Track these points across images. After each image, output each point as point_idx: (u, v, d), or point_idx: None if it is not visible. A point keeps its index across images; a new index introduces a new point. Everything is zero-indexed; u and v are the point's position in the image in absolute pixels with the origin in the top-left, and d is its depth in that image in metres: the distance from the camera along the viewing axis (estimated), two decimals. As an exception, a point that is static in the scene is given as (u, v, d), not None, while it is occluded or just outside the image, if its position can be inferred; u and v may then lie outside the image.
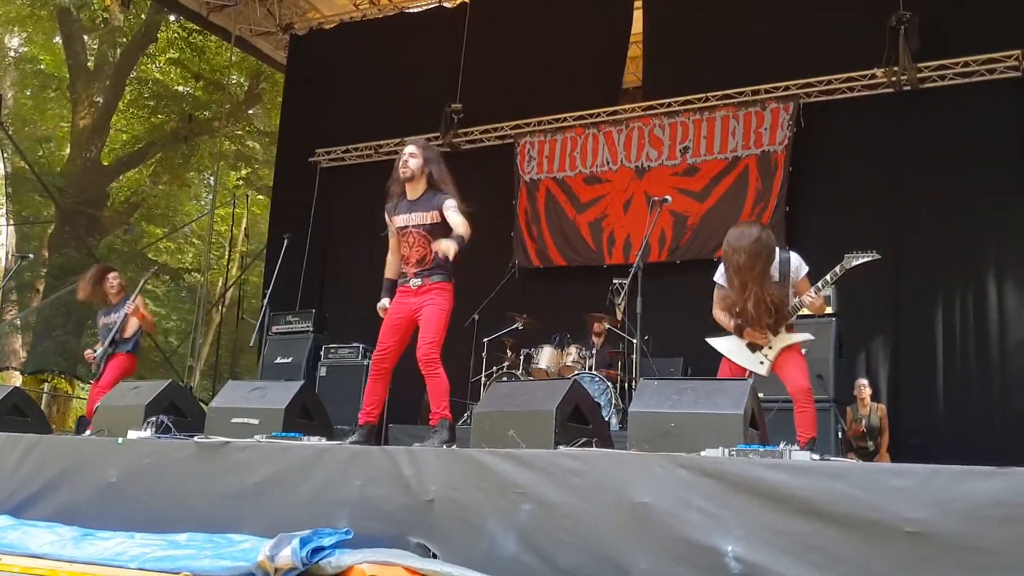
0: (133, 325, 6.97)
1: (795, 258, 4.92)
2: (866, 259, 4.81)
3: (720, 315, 4.99)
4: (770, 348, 4.81)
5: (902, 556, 2.90)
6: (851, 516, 3.00)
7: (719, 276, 5.05)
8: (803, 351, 4.97)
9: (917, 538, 2.88)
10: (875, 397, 8.29)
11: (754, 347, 4.85)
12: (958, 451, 7.44)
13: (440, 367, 4.78)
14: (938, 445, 7.86)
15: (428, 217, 4.81)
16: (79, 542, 3.95)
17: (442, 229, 4.75)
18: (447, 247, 4.56)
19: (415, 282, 4.84)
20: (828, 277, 4.84)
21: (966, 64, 8.48)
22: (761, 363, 4.83)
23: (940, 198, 8.47)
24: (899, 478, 3.01)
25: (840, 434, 6.46)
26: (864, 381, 7.89)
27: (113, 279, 7.24)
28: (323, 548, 3.44)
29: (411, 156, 4.87)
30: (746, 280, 4.73)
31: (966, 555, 2.82)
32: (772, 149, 9.20)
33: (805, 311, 6.42)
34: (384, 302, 5.09)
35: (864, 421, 7.75)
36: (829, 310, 6.68)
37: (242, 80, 18.58)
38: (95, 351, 7.11)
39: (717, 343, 5.02)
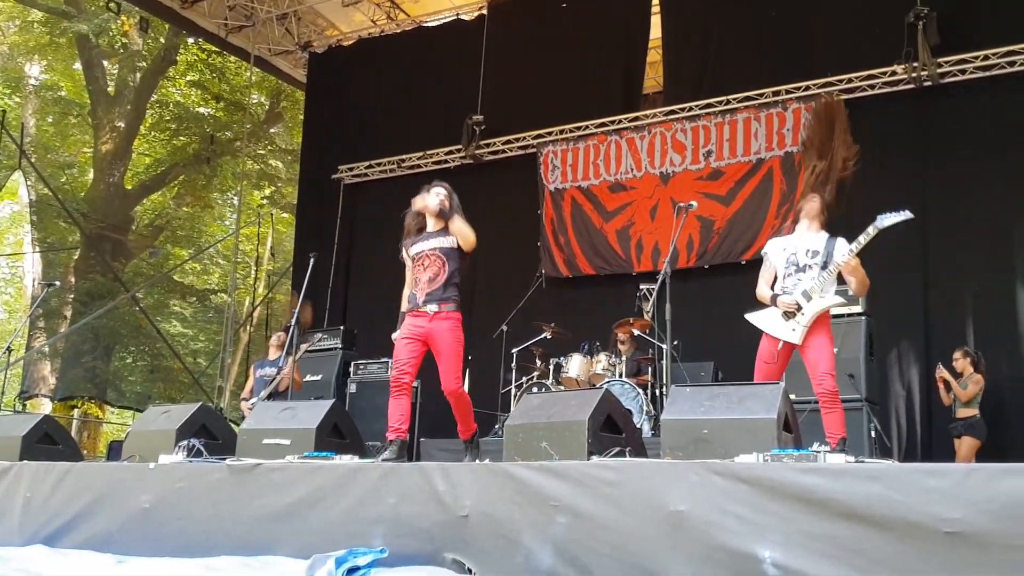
0: (285, 383, 7.57)
1: (841, 242, 5.05)
2: (899, 218, 4.81)
3: (762, 288, 5.20)
4: (803, 314, 4.92)
5: (941, 557, 2.88)
6: (888, 518, 2.98)
7: (769, 248, 5.28)
8: (834, 347, 4.99)
9: (955, 538, 2.87)
10: (908, 397, 8.20)
11: (788, 315, 4.97)
12: (992, 448, 7.39)
13: (465, 392, 5.15)
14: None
15: (446, 242, 5.13)
16: (113, 569, 3.96)
17: (456, 257, 5.11)
18: (426, 199, 5.17)
19: (431, 307, 5.03)
20: (861, 238, 4.88)
21: (986, 58, 8.40)
22: (794, 330, 4.94)
23: (965, 193, 8.39)
24: (935, 478, 3.00)
25: (873, 433, 6.38)
26: (957, 353, 7.71)
27: (279, 337, 8.16)
28: (359, 568, 3.45)
29: (438, 194, 5.22)
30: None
31: (1006, 554, 2.80)
32: (795, 150, 9.15)
33: (838, 310, 6.44)
34: (399, 334, 5.24)
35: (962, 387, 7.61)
36: (859, 308, 6.62)
37: (263, 99, 18.75)
38: (250, 401, 7.73)
39: (754, 317, 5.15)
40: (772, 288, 5.15)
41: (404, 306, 5.32)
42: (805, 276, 5.00)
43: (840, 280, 5.13)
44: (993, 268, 8.24)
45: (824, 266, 4.96)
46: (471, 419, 5.23)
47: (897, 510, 2.97)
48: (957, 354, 7.68)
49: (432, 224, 5.23)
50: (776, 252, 5.22)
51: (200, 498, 4.47)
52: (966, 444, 7.52)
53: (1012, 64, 8.32)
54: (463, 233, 5.07)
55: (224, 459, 4.68)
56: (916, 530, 2.93)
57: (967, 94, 8.59)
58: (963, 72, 8.55)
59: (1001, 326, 8.07)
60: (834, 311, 6.32)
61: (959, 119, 8.61)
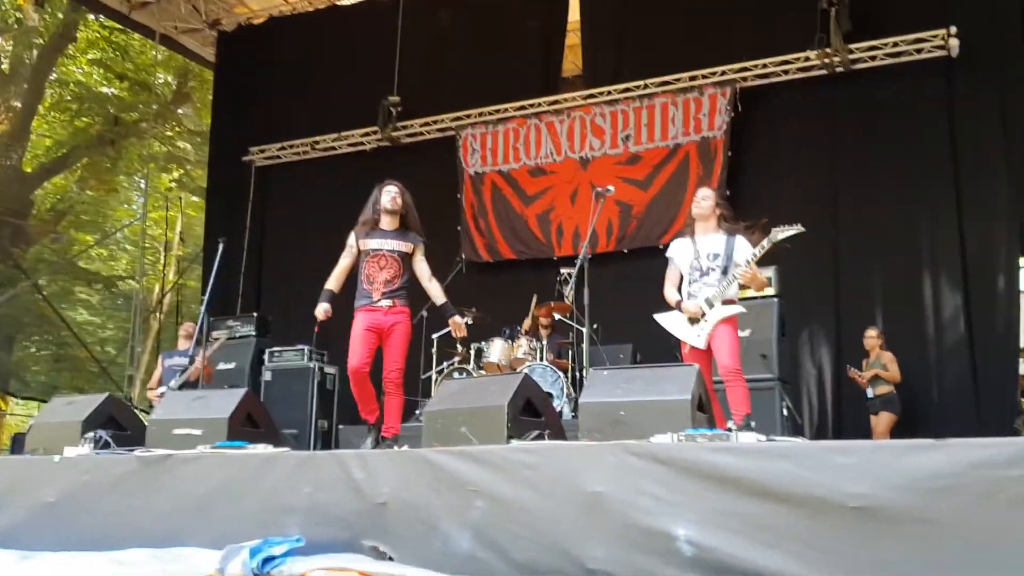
0: (196, 374, 7.29)
1: (741, 242, 5.14)
2: (791, 232, 4.96)
3: (668, 291, 5.26)
4: (706, 321, 5.02)
5: (848, 531, 2.96)
6: (798, 495, 3.05)
7: (672, 251, 5.33)
8: (741, 333, 5.09)
9: (863, 513, 2.95)
10: (819, 376, 8.44)
11: (692, 321, 5.07)
12: (904, 426, 7.67)
13: (402, 387, 5.48)
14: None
15: (403, 246, 5.52)
16: (18, 565, 3.81)
17: (410, 260, 5.55)
18: (461, 329, 5.76)
19: (385, 303, 5.40)
20: (756, 251, 5.01)
21: (895, 44, 8.62)
22: (698, 336, 5.04)
23: (874, 177, 8.61)
24: (843, 455, 3.08)
25: (786, 412, 6.53)
26: (871, 331, 7.96)
27: (187, 328, 8.04)
28: (274, 557, 3.38)
29: (399, 194, 5.59)
30: None
31: (908, 527, 2.90)
32: (711, 135, 9.27)
33: (751, 292, 6.56)
34: (325, 307, 5.58)
35: (875, 367, 7.84)
36: (771, 291, 6.76)
37: (169, 79, 18.14)
38: (158, 391, 7.62)
39: (661, 319, 5.24)
40: (679, 290, 5.24)
41: (331, 284, 5.63)
42: (708, 280, 5.10)
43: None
44: (900, 251, 8.48)
45: (725, 270, 5.07)
46: (400, 418, 5.50)
47: (807, 487, 3.04)
48: (872, 332, 7.93)
49: (389, 222, 5.56)
50: (679, 254, 5.30)
51: (108, 491, 4.34)
52: (884, 420, 7.78)
53: (920, 51, 8.54)
54: (441, 295, 5.66)
55: (133, 450, 4.55)
56: (825, 506, 3.00)
57: (877, 80, 8.80)
58: (873, 58, 8.76)
59: (908, 307, 8.33)
60: (747, 294, 6.49)
61: (869, 105, 8.82)
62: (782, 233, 4.96)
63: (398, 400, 5.45)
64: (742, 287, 5.22)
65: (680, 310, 5.13)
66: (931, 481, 2.90)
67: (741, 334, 6.41)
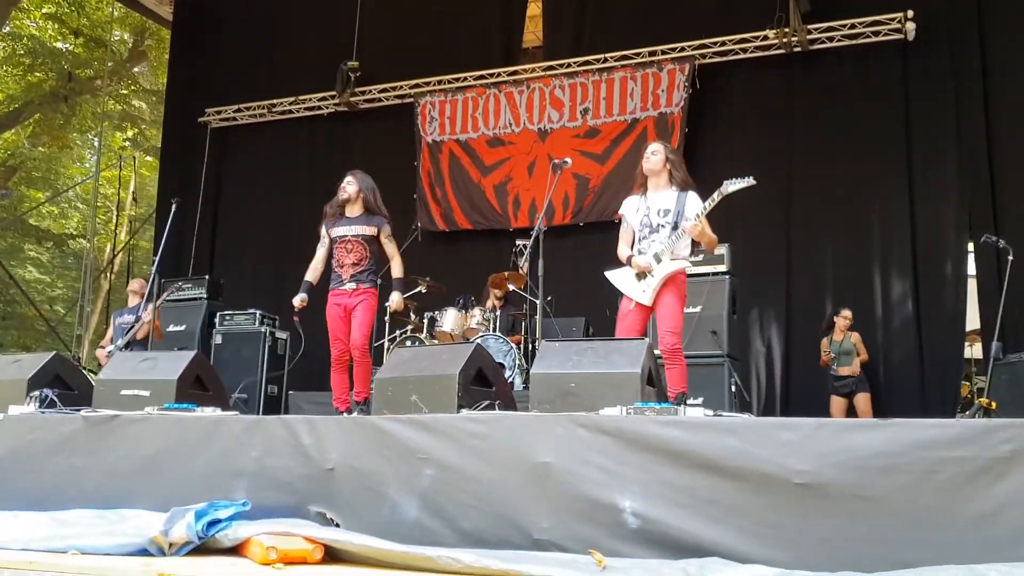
0: (145, 331, 7.23)
1: (692, 198, 5.05)
2: (742, 184, 4.88)
3: (621, 248, 5.20)
4: (652, 276, 4.96)
5: (792, 506, 3.02)
6: (743, 469, 3.10)
7: (624, 208, 5.25)
8: (693, 308, 5.06)
9: (805, 489, 3.01)
10: (768, 354, 8.56)
11: (640, 276, 5.02)
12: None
13: (369, 354, 5.89)
14: (828, 398, 8.14)
15: (367, 230, 5.92)
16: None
17: (376, 243, 5.95)
18: (397, 303, 6.11)
19: (350, 285, 5.84)
20: (707, 204, 4.92)
21: (852, 26, 8.69)
22: (643, 292, 4.98)
23: (828, 158, 8.71)
24: (788, 431, 3.13)
25: (734, 388, 6.62)
26: (848, 312, 8.01)
27: (138, 285, 7.95)
28: (219, 521, 3.36)
29: (348, 184, 5.97)
30: None
31: (850, 504, 2.96)
32: (669, 111, 9.30)
33: (705, 268, 6.62)
34: (302, 296, 6.04)
35: (838, 346, 7.91)
36: (723, 268, 6.80)
37: (125, 36, 17.74)
38: (107, 349, 7.56)
39: (612, 275, 5.18)
40: (631, 248, 5.16)
41: (309, 275, 6.08)
42: (658, 236, 5.01)
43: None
44: (852, 232, 8.60)
45: (675, 226, 4.98)
46: (368, 383, 5.79)
47: (751, 462, 3.09)
48: (847, 313, 8.01)
49: (352, 209, 5.97)
50: (631, 212, 5.20)
51: (53, 451, 4.28)
52: (864, 398, 7.89)
53: (877, 34, 8.63)
54: (399, 270, 6.10)
55: (79, 410, 4.48)
56: (769, 481, 3.05)
57: (834, 61, 8.88)
58: (831, 39, 8.82)
59: (858, 288, 8.47)
60: (698, 270, 6.53)
61: (826, 86, 8.91)
62: (733, 186, 4.88)
63: (365, 367, 5.86)
64: (694, 244, 5.14)
65: (630, 265, 5.06)
66: (874, 460, 2.96)
67: (692, 310, 6.51)
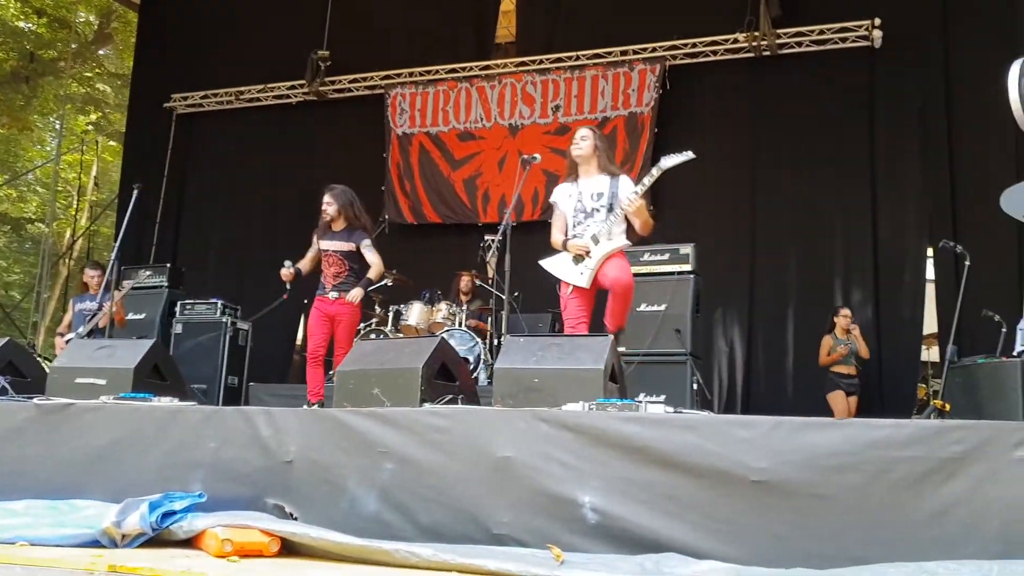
0: (106, 320, 7.07)
1: (625, 181, 5.03)
2: (681, 159, 4.90)
3: (555, 236, 5.15)
4: (591, 258, 4.93)
5: (748, 503, 3.05)
6: (701, 466, 3.12)
7: (556, 196, 5.20)
8: (656, 307, 5.04)
9: (761, 486, 3.04)
10: (731, 353, 8.62)
11: (578, 259, 4.97)
12: (807, 403, 7.82)
13: None
14: (787, 397, 8.24)
15: (346, 247, 6.31)
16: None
17: (356, 257, 6.32)
18: (352, 295, 6.23)
19: (332, 295, 6.26)
20: (646, 180, 4.93)
21: (821, 32, 8.80)
22: (582, 274, 4.95)
23: (794, 161, 8.81)
24: (745, 429, 3.16)
25: (696, 386, 6.64)
26: (847, 311, 7.98)
27: (96, 273, 7.81)
28: (174, 512, 3.31)
29: (328, 204, 6.32)
30: None
31: (805, 501, 3.00)
32: (639, 111, 9.34)
33: (670, 268, 6.62)
34: (287, 267, 6.38)
35: (851, 346, 7.86)
36: (688, 267, 6.81)
37: (91, 18, 17.46)
38: (66, 337, 7.51)
39: (546, 263, 5.13)
40: (565, 235, 5.10)
41: (302, 262, 6.43)
42: (593, 220, 4.98)
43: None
44: (815, 234, 8.69)
45: (611, 208, 4.94)
46: None
47: (709, 458, 3.11)
48: (846, 311, 7.98)
49: (336, 224, 6.34)
50: (563, 199, 5.16)
51: (4, 439, 4.16)
52: (854, 400, 7.88)
53: (845, 40, 8.74)
54: (373, 272, 6.39)
55: (32, 398, 4.39)
56: (726, 478, 3.08)
57: (802, 66, 8.96)
58: (799, 44, 8.92)
59: (820, 290, 8.57)
60: (663, 269, 6.56)
61: (793, 90, 8.99)
62: (669, 161, 4.88)
63: None
64: (630, 230, 5.07)
65: (567, 249, 5.01)
66: (828, 459, 2.99)
67: (656, 308, 6.54)
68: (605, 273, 4.92)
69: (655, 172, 4.91)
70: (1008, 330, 6.89)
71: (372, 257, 6.36)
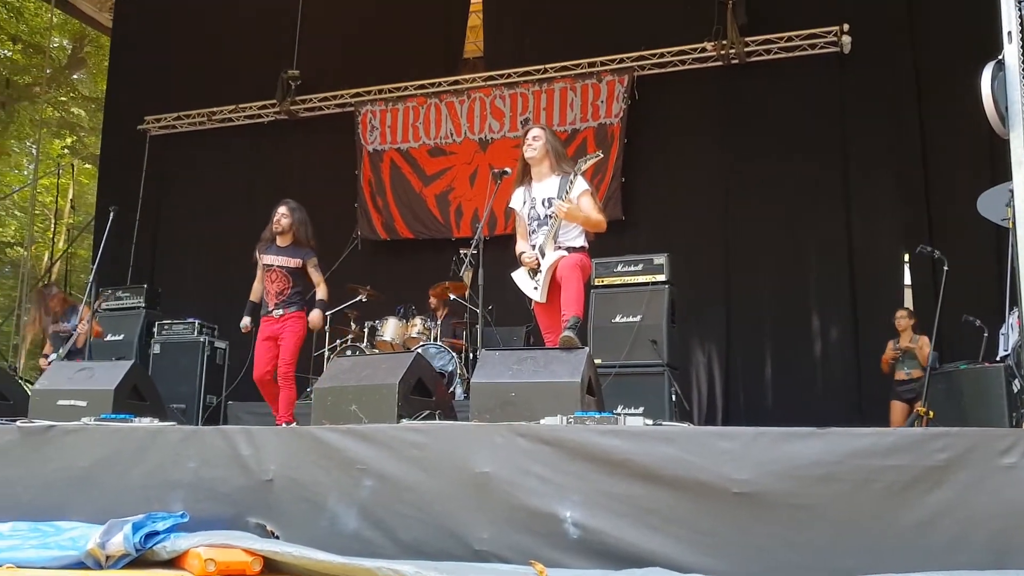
0: (83, 339, 7.28)
1: (577, 181, 4.86)
2: (592, 160, 4.95)
3: (518, 245, 5.04)
4: (540, 272, 4.82)
5: (730, 515, 3.02)
6: (682, 478, 3.10)
7: (514, 202, 5.07)
8: (631, 318, 5.01)
9: (743, 498, 3.01)
10: (708, 364, 8.64)
11: (533, 273, 4.87)
12: (784, 413, 7.87)
13: (294, 381, 6.21)
14: (766, 407, 8.29)
15: (292, 263, 6.22)
16: None
17: (301, 274, 6.23)
18: (315, 321, 6.26)
19: (276, 312, 6.18)
20: (569, 180, 4.80)
21: (789, 39, 8.89)
22: (535, 288, 4.86)
23: (766, 168, 8.84)
24: (726, 440, 3.13)
25: (674, 397, 6.67)
26: (902, 312, 7.80)
27: (58, 295, 7.87)
28: (157, 533, 3.32)
29: (283, 216, 6.25)
30: None
31: (788, 512, 2.97)
32: (608, 122, 9.41)
33: (645, 278, 6.64)
34: (245, 321, 6.43)
35: (904, 349, 7.60)
36: (662, 277, 6.83)
37: (65, 43, 17.41)
38: (48, 358, 7.57)
39: (515, 276, 5.03)
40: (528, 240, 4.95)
41: (252, 296, 6.39)
42: (546, 228, 4.82)
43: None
44: (789, 242, 8.74)
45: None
46: (291, 408, 6.17)
47: (690, 471, 3.09)
48: (901, 312, 7.80)
49: (281, 240, 6.26)
50: (519, 205, 5.01)
51: (-14, 462, 4.17)
52: (906, 408, 7.58)
53: (813, 47, 8.84)
54: (322, 292, 6.33)
55: (14, 421, 4.39)
56: (708, 490, 3.05)
57: (772, 73, 9.05)
58: (768, 52, 9.02)
59: (796, 296, 8.63)
60: (639, 279, 6.59)
61: (763, 97, 9.05)
62: (585, 163, 4.83)
63: (288, 392, 6.16)
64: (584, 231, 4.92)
65: (522, 263, 4.89)
66: (811, 468, 2.97)
67: (632, 319, 6.55)
68: (558, 279, 4.75)
69: (573, 177, 4.78)
70: (990, 335, 6.81)
71: (319, 278, 6.30)
